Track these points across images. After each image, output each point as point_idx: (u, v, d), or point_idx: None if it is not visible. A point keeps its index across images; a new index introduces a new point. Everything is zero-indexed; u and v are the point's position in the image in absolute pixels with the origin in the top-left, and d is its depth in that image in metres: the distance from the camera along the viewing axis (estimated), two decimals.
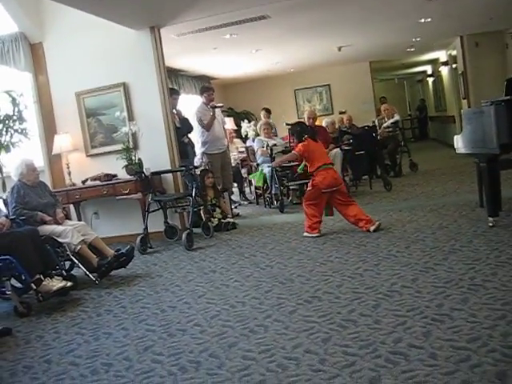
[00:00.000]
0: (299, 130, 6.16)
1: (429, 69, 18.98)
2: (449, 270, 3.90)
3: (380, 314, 3.23)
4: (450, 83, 14.83)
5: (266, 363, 2.77)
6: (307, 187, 6.11)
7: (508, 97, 4.77)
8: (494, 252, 4.16)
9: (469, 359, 2.48)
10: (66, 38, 7.01)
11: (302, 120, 7.82)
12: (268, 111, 10.76)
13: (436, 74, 17.74)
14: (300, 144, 5.97)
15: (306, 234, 5.79)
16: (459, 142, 5.28)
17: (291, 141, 8.23)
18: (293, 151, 6.10)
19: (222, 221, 6.95)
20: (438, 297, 3.37)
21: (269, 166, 7.99)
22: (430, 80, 19.19)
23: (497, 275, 3.61)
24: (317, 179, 5.76)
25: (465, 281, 3.60)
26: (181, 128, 7.25)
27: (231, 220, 7.05)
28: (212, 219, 6.91)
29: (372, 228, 5.53)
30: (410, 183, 8.88)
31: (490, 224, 4.95)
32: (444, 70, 15.74)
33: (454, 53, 13.60)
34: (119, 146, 6.67)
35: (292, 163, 7.43)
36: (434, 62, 17.33)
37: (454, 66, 13.96)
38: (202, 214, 6.90)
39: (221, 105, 8.24)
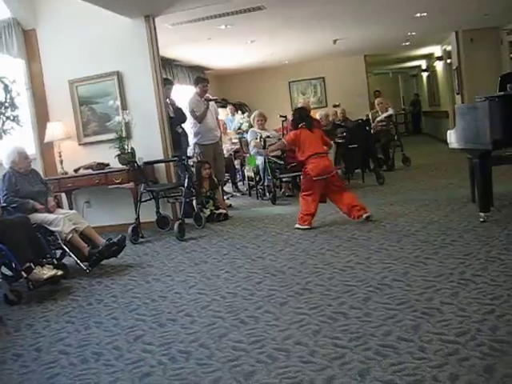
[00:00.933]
0: (297, 117, 6.16)
1: (423, 63, 19.00)
2: (439, 264, 3.92)
3: (370, 306, 3.24)
4: (444, 78, 14.86)
5: (256, 354, 2.78)
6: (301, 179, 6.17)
7: (502, 93, 4.79)
8: (484, 247, 4.19)
9: (457, 353, 2.50)
10: (59, 25, 6.94)
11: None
12: (235, 107, 10.92)
13: (430, 68, 17.76)
14: (292, 132, 6.00)
15: (297, 225, 5.81)
16: (452, 137, 5.29)
17: (285, 132, 8.24)
18: (282, 139, 6.13)
19: (215, 212, 6.95)
20: (428, 291, 3.39)
21: (277, 162, 7.90)
22: (425, 75, 19.20)
23: (487, 270, 3.64)
24: (308, 167, 5.81)
25: (455, 275, 3.62)
26: (174, 118, 7.22)
27: (223, 211, 7.05)
28: (204, 210, 6.91)
29: (365, 215, 5.57)
30: (403, 177, 8.91)
31: (481, 219, 4.97)
32: (438, 65, 15.76)
33: (448, 48, 13.61)
34: (112, 135, 6.63)
35: (284, 155, 7.52)
36: (428, 57, 17.34)
37: (448, 61, 13.97)
38: (195, 205, 6.89)
39: (215, 98, 8.24)
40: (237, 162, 9.97)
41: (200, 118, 7.57)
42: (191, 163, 7.12)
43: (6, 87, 6.11)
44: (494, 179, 5.44)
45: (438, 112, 15.91)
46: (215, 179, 7.32)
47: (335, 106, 13.68)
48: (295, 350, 2.76)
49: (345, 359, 2.59)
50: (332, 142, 8.36)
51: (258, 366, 2.65)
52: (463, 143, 5.13)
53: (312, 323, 3.09)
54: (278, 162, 7.80)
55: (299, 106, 8.89)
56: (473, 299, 3.14)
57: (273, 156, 7.93)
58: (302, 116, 6.17)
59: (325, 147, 6.08)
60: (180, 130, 7.44)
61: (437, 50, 15.40)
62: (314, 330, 2.99)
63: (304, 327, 3.05)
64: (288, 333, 3.00)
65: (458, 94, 12.69)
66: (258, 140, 8.25)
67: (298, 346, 2.81)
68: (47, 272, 4.46)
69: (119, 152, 6.51)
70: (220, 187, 7.89)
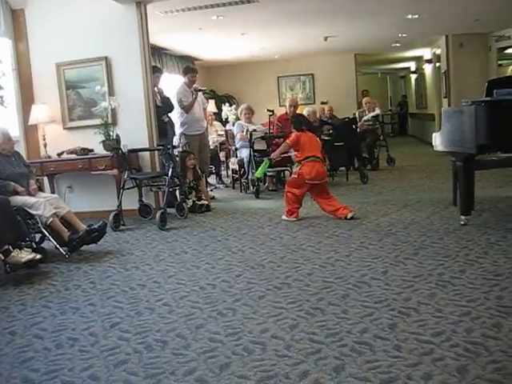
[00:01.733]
0: (297, 122, 6.24)
1: (412, 65, 19.09)
2: (418, 264, 3.95)
3: (348, 304, 3.26)
4: (432, 81, 14.96)
5: (232, 346, 2.78)
6: (291, 174, 6.21)
7: (488, 98, 4.83)
8: (463, 250, 4.23)
9: (432, 352, 2.52)
10: (49, 6, 6.85)
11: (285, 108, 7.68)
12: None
13: (419, 71, 17.85)
14: (294, 134, 6.08)
15: (284, 217, 5.90)
16: (437, 140, 5.32)
17: (271, 127, 8.24)
18: (286, 141, 6.21)
19: (197, 202, 6.92)
20: (406, 290, 3.41)
21: (262, 157, 7.88)
22: (413, 77, 19.31)
23: (465, 273, 3.67)
24: (303, 169, 5.87)
25: (433, 276, 3.65)
26: (161, 107, 7.18)
27: (206, 202, 7.03)
28: (187, 200, 6.88)
29: (350, 215, 5.65)
30: (387, 177, 8.96)
31: (462, 222, 5.02)
32: (427, 68, 15.86)
33: (438, 51, 13.70)
34: (98, 121, 6.56)
35: (269, 149, 7.54)
36: (418, 60, 17.43)
37: (437, 64, 14.06)
38: (178, 195, 6.86)
39: (204, 88, 8.21)
40: (222, 154, 9.95)
41: (187, 108, 7.53)
42: (176, 153, 7.10)
43: None
44: (476, 183, 5.49)
45: (425, 114, 16.03)
46: (199, 170, 7.30)
47: (323, 104, 13.71)
48: (271, 344, 2.77)
49: (320, 355, 2.60)
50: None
51: (233, 357, 2.65)
52: (448, 146, 5.16)
53: (289, 318, 3.10)
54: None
55: (287, 101, 8.93)
56: (450, 301, 3.17)
57: (258, 149, 7.94)
58: (301, 121, 6.26)
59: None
60: (166, 119, 7.40)
61: (426, 53, 15.49)
62: (291, 325, 2.99)
63: (281, 321, 3.06)
64: (265, 326, 3.01)
65: (445, 97, 12.78)
66: (244, 133, 8.24)
67: (275, 340, 2.81)
68: (25, 255, 4.41)
69: (104, 138, 6.46)
70: (204, 178, 7.87)
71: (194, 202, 6.92)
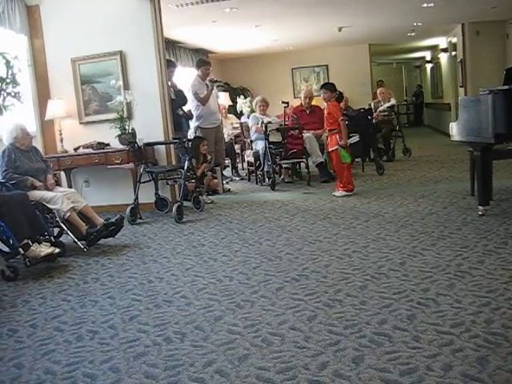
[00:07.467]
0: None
1: (428, 55, 18.90)
2: (436, 255, 3.92)
3: (366, 295, 3.25)
4: (448, 70, 14.79)
5: (250, 338, 2.79)
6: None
7: (506, 86, 4.77)
8: (482, 240, 4.19)
9: (451, 343, 2.51)
10: (63, 2, 6.88)
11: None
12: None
13: (435, 60, 17.66)
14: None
15: (341, 192, 6.42)
16: (454, 130, 5.27)
17: (286, 119, 8.23)
18: (340, 120, 6.67)
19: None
20: (424, 281, 3.39)
21: (278, 149, 7.97)
22: (429, 66, 19.12)
23: (483, 263, 3.64)
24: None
25: (452, 267, 3.62)
26: (175, 100, 7.19)
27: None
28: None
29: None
30: (403, 168, 8.89)
31: (480, 213, 4.97)
32: (443, 57, 15.68)
33: (454, 40, 13.54)
34: (113, 115, 6.59)
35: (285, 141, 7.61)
36: (433, 49, 17.25)
37: (453, 53, 13.90)
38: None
39: (219, 80, 8.22)
40: (237, 147, 9.95)
41: (204, 101, 7.54)
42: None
43: (7, 63, 6.06)
44: (494, 173, 5.44)
45: (441, 104, 15.87)
46: (208, 156, 7.33)
47: None
48: (290, 335, 2.77)
49: (339, 346, 2.60)
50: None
51: (252, 349, 2.66)
52: (465, 136, 5.10)
53: (308, 309, 3.10)
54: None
55: (302, 93, 8.90)
56: (469, 291, 3.15)
57: (274, 141, 7.93)
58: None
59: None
60: (181, 113, 7.41)
61: (442, 42, 15.32)
62: (310, 316, 2.99)
63: (299, 313, 3.06)
64: (283, 318, 3.01)
65: (461, 86, 12.64)
66: (260, 125, 8.23)
67: (293, 332, 2.81)
68: (45, 249, 4.47)
69: (120, 132, 6.49)
70: (220, 171, 7.90)
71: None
